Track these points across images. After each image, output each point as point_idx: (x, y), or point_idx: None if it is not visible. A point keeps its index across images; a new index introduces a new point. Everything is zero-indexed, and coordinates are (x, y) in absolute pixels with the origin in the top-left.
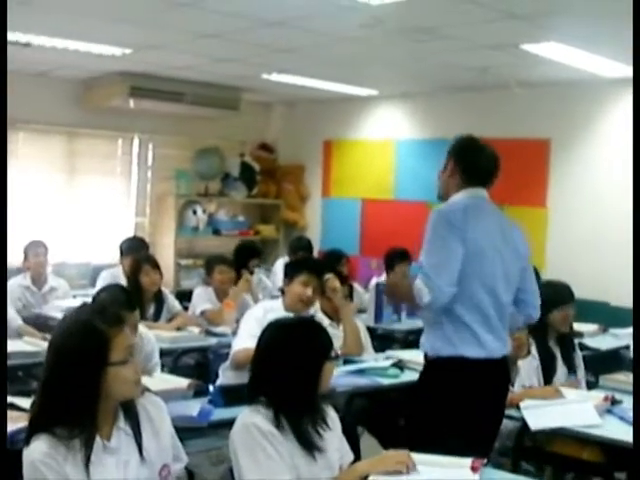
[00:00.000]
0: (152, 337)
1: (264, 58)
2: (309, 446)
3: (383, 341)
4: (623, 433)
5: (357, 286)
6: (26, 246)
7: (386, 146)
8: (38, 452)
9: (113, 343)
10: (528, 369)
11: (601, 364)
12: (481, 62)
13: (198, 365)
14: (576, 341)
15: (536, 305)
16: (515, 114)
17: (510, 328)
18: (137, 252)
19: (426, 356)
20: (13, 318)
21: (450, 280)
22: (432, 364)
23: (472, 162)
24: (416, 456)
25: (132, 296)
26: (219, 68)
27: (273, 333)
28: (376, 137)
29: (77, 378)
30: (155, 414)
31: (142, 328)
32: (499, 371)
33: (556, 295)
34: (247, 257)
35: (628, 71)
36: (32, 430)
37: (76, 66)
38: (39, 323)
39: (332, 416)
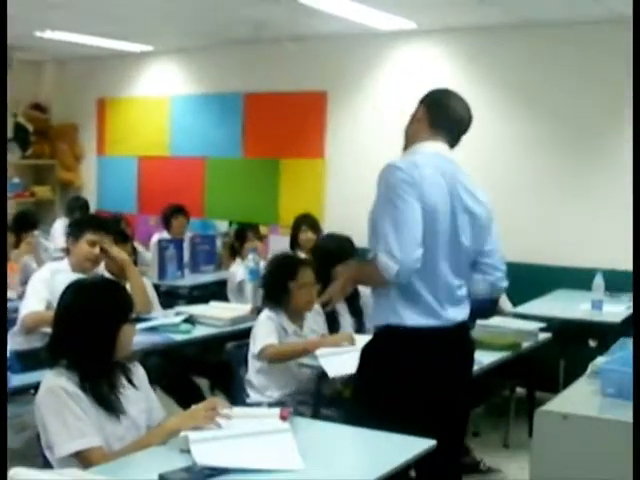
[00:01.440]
0: None
1: (36, 15)
2: (110, 409)
3: (168, 298)
4: None
5: (138, 245)
6: None
7: (161, 103)
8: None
9: None
10: (313, 323)
11: None
12: (257, 16)
13: None
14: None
15: (502, 270)
16: (292, 68)
17: (475, 295)
18: None
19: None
20: None
21: (415, 241)
22: (379, 335)
23: (444, 107)
24: (224, 408)
25: None
26: None
27: (72, 294)
28: (151, 94)
29: None
30: None
31: None
32: (455, 338)
33: (339, 249)
34: (25, 228)
35: (402, 24)
36: None
37: None
38: None
39: (139, 375)
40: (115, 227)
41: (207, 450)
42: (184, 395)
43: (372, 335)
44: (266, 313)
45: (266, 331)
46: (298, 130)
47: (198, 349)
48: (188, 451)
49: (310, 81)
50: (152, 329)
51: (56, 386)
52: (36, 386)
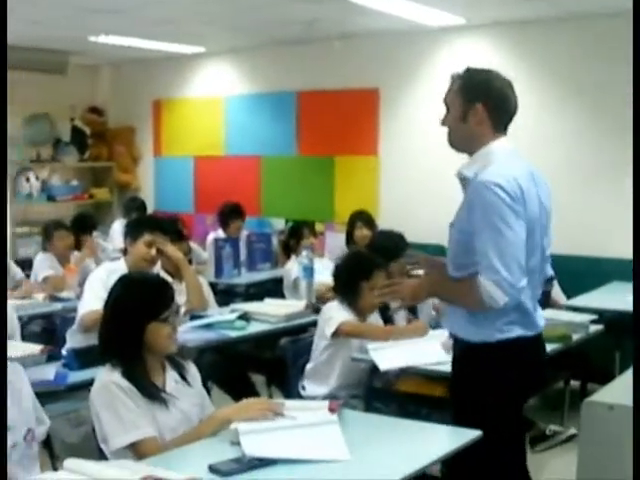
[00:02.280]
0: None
1: (90, 20)
2: (159, 401)
3: (225, 296)
4: None
5: (194, 245)
6: None
7: (215, 103)
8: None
9: None
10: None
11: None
12: (308, 14)
13: (44, 331)
14: None
15: (549, 262)
16: (344, 65)
17: None
18: None
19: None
20: None
21: (522, 270)
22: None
23: (506, 103)
24: (274, 402)
25: None
26: (44, 32)
27: (113, 289)
28: (205, 94)
29: None
30: (14, 380)
31: None
32: (541, 345)
33: (393, 245)
34: (84, 230)
35: (451, 19)
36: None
37: None
38: None
39: (192, 373)
40: (171, 227)
41: (256, 441)
42: (239, 391)
43: (461, 346)
44: (337, 302)
45: (342, 313)
46: (351, 127)
47: (253, 346)
48: (238, 443)
49: (362, 78)
50: (207, 326)
51: (108, 381)
52: (93, 382)
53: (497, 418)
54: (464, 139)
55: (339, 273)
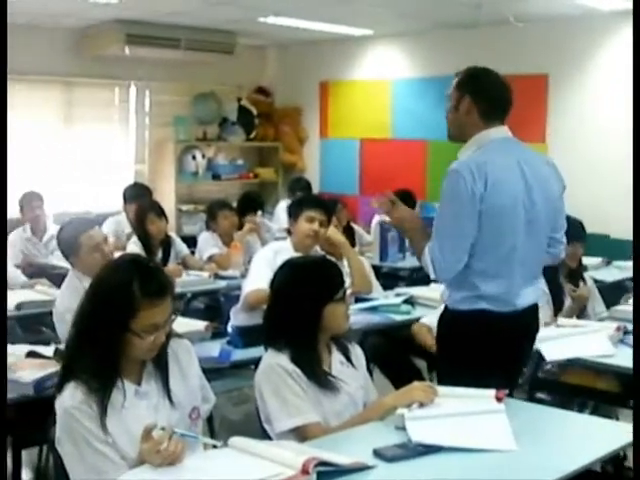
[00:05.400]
0: None
1: (260, 1)
2: (326, 385)
3: (389, 279)
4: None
5: (357, 227)
6: (21, 198)
7: (382, 85)
8: (72, 399)
9: (140, 315)
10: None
11: (608, 296)
12: None
13: (208, 308)
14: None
15: (563, 242)
16: (511, 50)
17: None
18: (141, 199)
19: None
20: (14, 276)
21: (458, 257)
22: (452, 316)
23: (491, 94)
24: (440, 388)
25: None
26: (214, 12)
27: (282, 273)
28: (372, 77)
29: (101, 332)
30: (183, 357)
31: None
32: (525, 321)
33: (568, 231)
34: (250, 209)
35: (626, 4)
36: (64, 377)
37: (71, 15)
38: (46, 274)
39: (357, 354)
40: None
41: (422, 428)
42: (402, 375)
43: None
44: None
45: None
46: (519, 114)
47: None
48: (403, 428)
49: (530, 64)
50: (372, 309)
51: (275, 364)
52: (256, 361)
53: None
54: (456, 127)
55: None
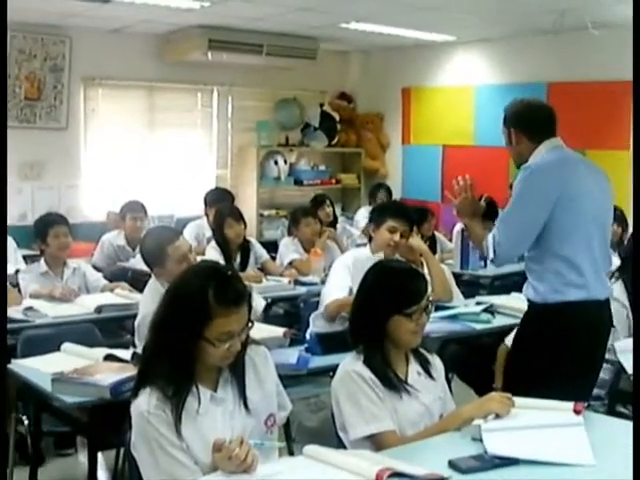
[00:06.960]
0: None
1: (342, 7)
2: (398, 389)
3: (469, 287)
4: None
5: (438, 235)
6: (124, 206)
7: (465, 92)
8: (147, 404)
9: (214, 322)
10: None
11: None
12: (559, 4)
13: (287, 314)
14: None
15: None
16: (594, 57)
17: None
18: (221, 203)
19: (530, 302)
20: (95, 278)
21: (520, 247)
22: (538, 310)
23: (531, 119)
24: (517, 400)
25: None
26: (296, 18)
27: (370, 272)
28: (454, 83)
29: (175, 338)
30: (260, 363)
31: None
32: (608, 313)
33: None
34: (320, 205)
35: None
36: (140, 382)
37: (155, 21)
38: (128, 278)
39: (437, 366)
40: (418, 217)
41: (499, 440)
42: (482, 385)
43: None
44: None
45: None
46: (603, 121)
47: (497, 339)
48: (480, 439)
49: (616, 70)
50: (451, 317)
51: (352, 371)
52: (334, 369)
53: (552, 385)
54: (516, 156)
55: None
